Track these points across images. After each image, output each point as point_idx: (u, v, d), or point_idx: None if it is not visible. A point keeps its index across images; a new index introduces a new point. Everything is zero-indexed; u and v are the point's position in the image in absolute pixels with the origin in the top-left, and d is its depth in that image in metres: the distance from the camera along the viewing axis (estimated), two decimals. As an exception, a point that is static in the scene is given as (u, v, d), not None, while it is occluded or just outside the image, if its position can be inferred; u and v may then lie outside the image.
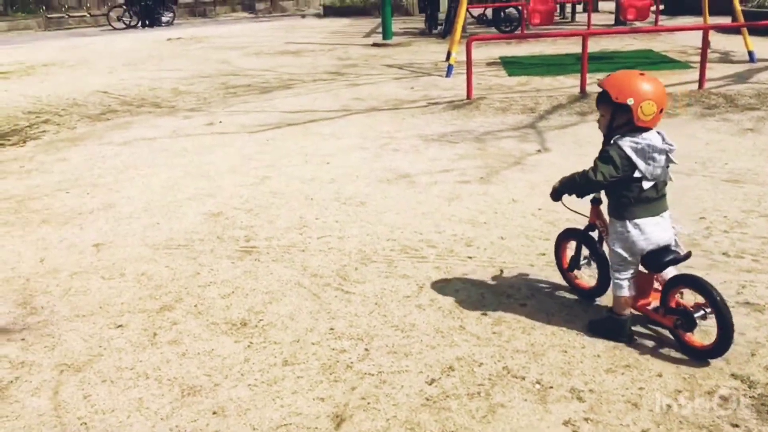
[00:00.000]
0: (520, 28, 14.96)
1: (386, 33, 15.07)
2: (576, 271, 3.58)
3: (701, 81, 8.37)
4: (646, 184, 2.92)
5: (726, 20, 12.45)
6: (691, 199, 4.80)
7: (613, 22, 16.21)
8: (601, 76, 9.40)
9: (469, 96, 8.52)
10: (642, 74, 2.95)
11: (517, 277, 3.78)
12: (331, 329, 3.34)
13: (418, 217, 4.72)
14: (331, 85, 10.16)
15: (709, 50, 8.74)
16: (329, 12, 24.16)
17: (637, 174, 2.90)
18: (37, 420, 2.74)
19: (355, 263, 4.05)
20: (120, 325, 3.45)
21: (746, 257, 3.89)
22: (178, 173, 6.01)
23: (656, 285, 3.19)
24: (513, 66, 11.07)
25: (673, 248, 3.01)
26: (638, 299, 3.14)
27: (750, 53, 10.26)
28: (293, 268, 4.02)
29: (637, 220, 2.97)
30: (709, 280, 2.99)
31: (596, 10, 18.01)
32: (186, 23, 23.34)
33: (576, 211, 3.50)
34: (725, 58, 10.82)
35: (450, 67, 10.37)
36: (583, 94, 8.34)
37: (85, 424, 2.70)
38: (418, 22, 18.55)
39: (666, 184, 3.06)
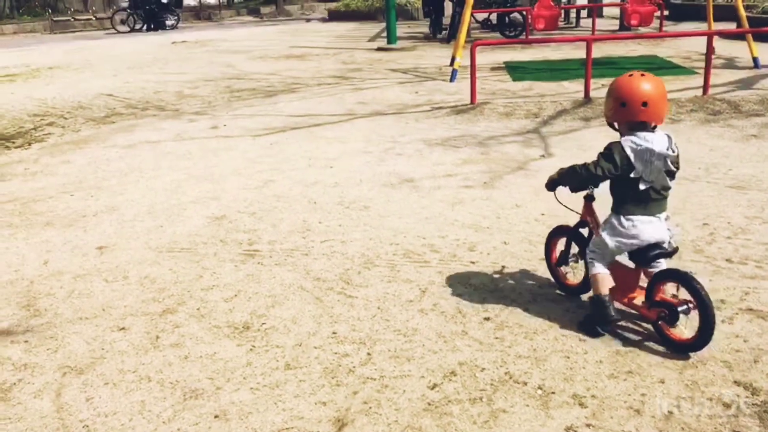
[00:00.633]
0: (524, 33, 14.99)
1: (391, 37, 15.10)
2: (563, 268, 3.65)
3: (705, 87, 8.36)
4: (642, 186, 3.02)
5: (731, 26, 12.45)
6: (695, 204, 4.80)
7: (617, 28, 16.22)
8: (605, 81, 9.43)
9: (473, 101, 8.53)
10: (630, 77, 3.03)
11: (519, 282, 3.78)
12: (334, 333, 3.34)
13: (421, 222, 4.72)
14: (336, 89, 10.18)
15: (713, 56, 8.74)
16: (334, 16, 24.22)
17: (633, 175, 3.00)
18: (39, 422, 2.75)
19: (358, 267, 4.05)
20: (123, 328, 3.45)
21: (750, 264, 3.88)
22: (181, 176, 6.03)
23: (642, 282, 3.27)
24: (517, 71, 11.08)
25: (661, 245, 3.10)
26: (625, 294, 3.24)
27: (755, 59, 10.25)
28: (296, 272, 4.03)
29: (631, 217, 3.08)
30: (700, 280, 3.04)
31: (601, 16, 18.01)
32: (191, 27, 23.42)
33: (568, 207, 3.54)
34: (730, 64, 10.81)
35: (454, 72, 10.38)
36: (588, 99, 8.34)
37: (88, 426, 2.70)
38: (423, 27, 18.58)
39: (667, 188, 3.10)
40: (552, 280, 3.74)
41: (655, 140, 3.00)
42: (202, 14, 27.00)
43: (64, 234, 4.76)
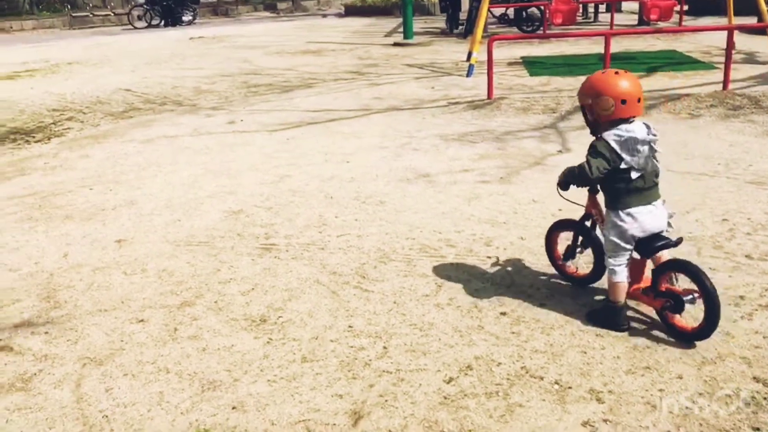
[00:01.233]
0: (542, 28, 14.90)
1: (407, 33, 15.08)
2: (570, 261, 3.67)
3: (725, 82, 8.27)
4: (634, 174, 3.05)
5: (751, 21, 12.29)
6: (715, 200, 4.75)
7: (636, 23, 16.08)
8: (623, 76, 9.35)
9: (489, 96, 8.49)
10: (603, 72, 3.12)
11: (536, 278, 3.77)
12: (350, 327, 3.35)
13: (437, 217, 4.72)
14: (352, 85, 10.18)
15: (733, 51, 8.63)
16: (350, 11, 24.22)
17: (623, 165, 3.04)
18: (59, 412, 2.78)
19: (374, 262, 4.06)
20: (141, 320, 3.49)
21: (770, 260, 3.84)
22: (199, 171, 6.06)
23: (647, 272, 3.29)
24: (534, 66, 11.02)
25: (663, 234, 3.14)
26: (630, 284, 3.25)
27: (776, 54, 10.12)
28: (312, 266, 4.04)
29: (630, 210, 3.10)
30: (703, 268, 3.08)
31: (619, 11, 17.86)
32: (208, 22, 23.52)
33: (573, 201, 3.55)
34: (750, 58, 10.68)
35: (471, 67, 10.35)
36: (605, 94, 8.28)
37: (107, 417, 2.73)
38: (440, 22, 18.53)
39: (657, 174, 3.15)
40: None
41: (636, 129, 3.06)
42: (219, 10, 27.11)
43: (83, 227, 4.81)
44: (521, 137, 6.73)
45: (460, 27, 16.30)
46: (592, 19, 17.91)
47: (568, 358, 3.00)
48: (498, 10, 16.56)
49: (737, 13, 12.39)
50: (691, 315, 3.17)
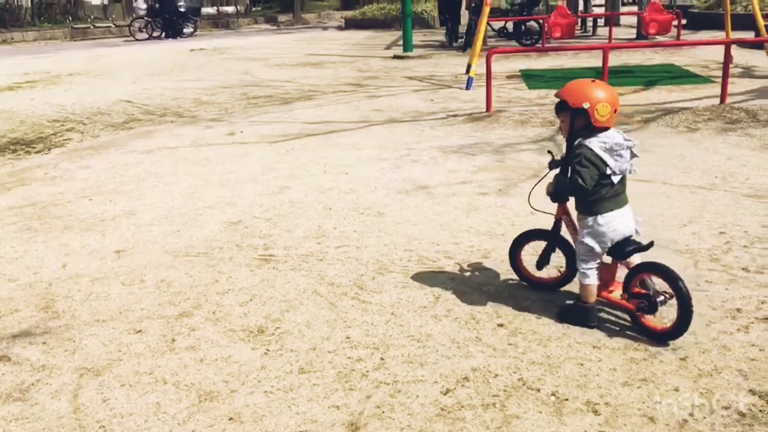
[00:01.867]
0: (540, 42, 14.98)
1: (407, 45, 15.15)
2: (532, 268, 3.76)
3: (723, 96, 8.32)
4: (615, 179, 3.18)
5: (749, 35, 12.37)
6: (712, 213, 4.77)
7: (634, 36, 16.17)
8: (621, 90, 9.41)
9: (488, 108, 8.54)
10: (594, 81, 3.23)
11: (533, 290, 3.77)
12: (348, 338, 3.35)
13: (435, 229, 4.73)
14: (351, 97, 10.23)
15: (731, 65, 8.69)
16: (350, 24, 24.35)
17: (608, 171, 3.15)
18: (56, 422, 2.78)
19: (373, 273, 4.07)
20: (139, 331, 3.49)
21: (766, 273, 3.85)
22: (198, 182, 6.08)
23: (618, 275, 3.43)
24: (533, 79, 11.08)
25: (633, 238, 3.28)
26: (602, 288, 3.38)
27: (773, 68, 10.18)
28: (311, 277, 4.05)
29: (607, 214, 3.22)
30: (675, 269, 3.20)
31: (618, 24, 17.95)
32: (209, 35, 23.64)
33: (542, 210, 3.69)
34: (747, 72, 10.74)
35: (470, 80, 10.40)
36: (603, 107, 8.32)
37: (104, 427, 2.73)
38: (439, 35, 18.63)
39: (625, 177, 3.28)
40: (570, 291, 3.74)
41: (616, 135, 3.19)
42: (219, 22, 27.25)
43: (82, 238, 4.82)
44: (520, 150, 6.75)
45: (460, 40, 16.39)
46: (590, 33, 18.02)
47: (565, 370, 3.00)
48: (497, 24, 16.66)
49: (735, 28, 12.46)
50: (662, 316, 3.26)
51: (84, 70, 14.35)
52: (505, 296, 3.71)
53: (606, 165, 3.13)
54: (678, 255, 4.11)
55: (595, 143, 3.14)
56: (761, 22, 10.97)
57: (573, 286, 3.65)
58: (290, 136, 7.75)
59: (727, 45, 8.61)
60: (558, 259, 3.72)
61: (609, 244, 3.25)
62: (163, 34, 22.28)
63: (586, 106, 3.13)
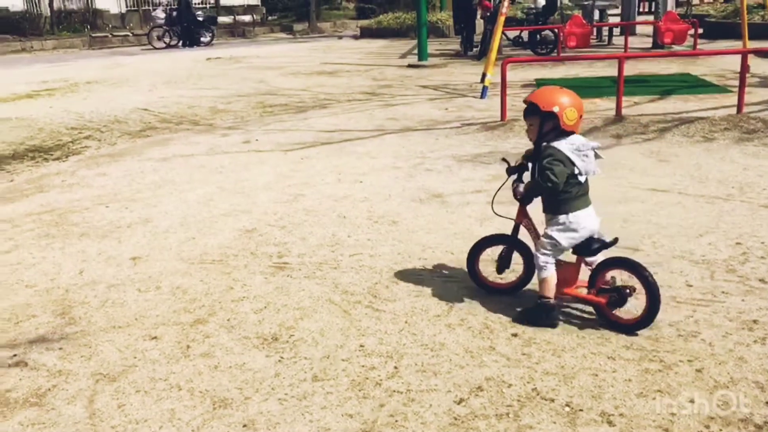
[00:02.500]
0: (555, 51, 14.96)
1: (422, 54, 15.19)
2: (485, 272, 3.89)
3: (740, 105, 8.25)
4: (582, 178, 3.36)
5: (766, 44, 12.28)
6: (728, 224, 4.73)
7: (650, 46, 16.11)
8: (637, 99, 9.38)
9: (503, 117, 8.53)
10: (561, 88, 3.43)
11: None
12: (361, 346, 3.36)
13: (449, 237, 4.73)
14: (366, 105, 10.26)
15: (748, 74, 8.63)
16: (366, 33, 24.43)
17: (576, 171, 3.32)
18: (72, 428, 2.81)
19: (386, 281, 4.07)
20: (155, 337, 3.52)
21: (784, 284, 3.82)
22: (214, 189, 6.12)
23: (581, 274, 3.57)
24: (548, 88, 11.04)
25: (597, 236, 3.43)
26: (566, 286, 3.51)
27: (791, 78, 10.10)
28: (325, 285, 4.06)
29: (577, 212, 3.38)
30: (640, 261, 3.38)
31: (633, 34, 17.90)
32: (225, 43, 23.81)
33: (503, 215, 3.84)
34: (765, 82, 10.66)
35: (485, 89, 10.40)
36: (619, 117, 8.30)
37: (119, 432, 2.76)
38: (454, 44, 18.65)
39: (587, 179, 3.44)
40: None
41: (579, 138, 3.38)
42: (236, 31, 27.44)
43: (99, 244, 4.86)
44: (534, 159, 6.73)
45: (475, 49, 16.40)
46: (606, 42, 17.96)
47: (580, 380, 2.99)
48: (512, 33, 16.65)
49: (752, 37, 12.39)
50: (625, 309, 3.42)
51: (102, 78, 14.51)
52: (520, 306, 3.68)
53: (574, 165, 3.30)
54: (694, 265, 4.08)
55: (563, 145, 3.32)
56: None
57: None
58: (305, 145, 7.78)
59: (744, 54, 8.55)
60: (515, 264, 3.83)
61: (577, 242, 3.41)
62: (180, 43, 22.48)
63: (555, 110, 3.29)
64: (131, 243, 4.87)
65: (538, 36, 15.76)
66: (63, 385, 3.11)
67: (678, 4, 22.02)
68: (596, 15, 18.66)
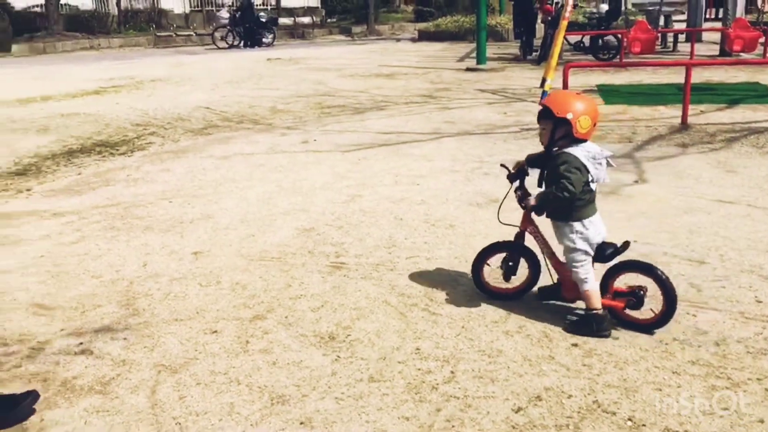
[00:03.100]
0: (618, 57, 14.66)
1: (480, 58, 15.09)
2: (491, 279, 3.88)
3: (814, 116, 7.93)
4: (593, 186, 3.38)
5: (843, 53, 11.77)
6: (801, 239, 4.55)
7: (717, 53, 15.64)
8: (703, 107, 9.11)
9: (563, 123, 8.39)
10: (579, 94, 3.42)
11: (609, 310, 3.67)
12: (417, 349, 3.35)
13: (508, 243, 4.67)
14: (423, 108, 10.24)
15: (823, 84, 8.29)
16: (424, 36, 24.42)
17: (590, 178, 3.34)
18: (135, 417, 2.87)
19: (443, 285, 4.05)
20: (215, 331, 3.58)
21: None
22: (273, 188, 6.20)
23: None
24: (610, 94, 10.84)
25: (607, 241, 3.45)
26: (575, 292, 3.52)
27: None
28: (381, 287, 4.07)
29: (591, 218, 3.41)
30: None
31: (699, 41, 17.40)
32: (285, 44, 24.14)
33: (510, 224, 3.81)
34: (841, 92, 10.23)
35: (544, 94, 10.25)
36: (685, 125, 8.08)
37: (180, 424, 2.81)
38: (513, 48, 18.48)
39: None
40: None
41: (593, 146, 3.37)
42: (295, 32, 27.80)
43: (162, 238, 4.98)
44: (595, 166, 6.60)
45: (534, 53, 16.22)
46: (671, 49, 17.51)
47: (643, 394, 2.91)
48: (573, 38, 16.39)
49: (828, 45, 11.89)
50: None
51: (166, 76, 14.88)
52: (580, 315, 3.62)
53: (588, 172, 3.31)
54: (764, 281, 3.94)
55: (579, 152, 3.32)
56: None
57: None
58: (362, 146, 7.81)
59: (820, 63, 8.21)
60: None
61: (594, 247, 3.41)
62: (242, 43, 22.88)
63: (569, 117, 3.27)
64: (193, 238, 4.97)
65: (600, 41, 15.48)
66: (126, 374, 3.19)
67: (747, 11, 21.31)
68: (661, 21, 18.22)
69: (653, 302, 3.45)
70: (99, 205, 5.85)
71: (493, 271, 3.90)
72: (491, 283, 3.89)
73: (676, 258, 4.32)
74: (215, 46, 22.69)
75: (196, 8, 29.44)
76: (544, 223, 3.66)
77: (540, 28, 16.97)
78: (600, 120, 9.01)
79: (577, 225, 3.39)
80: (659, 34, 16.74)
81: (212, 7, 29.21)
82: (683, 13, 21.25)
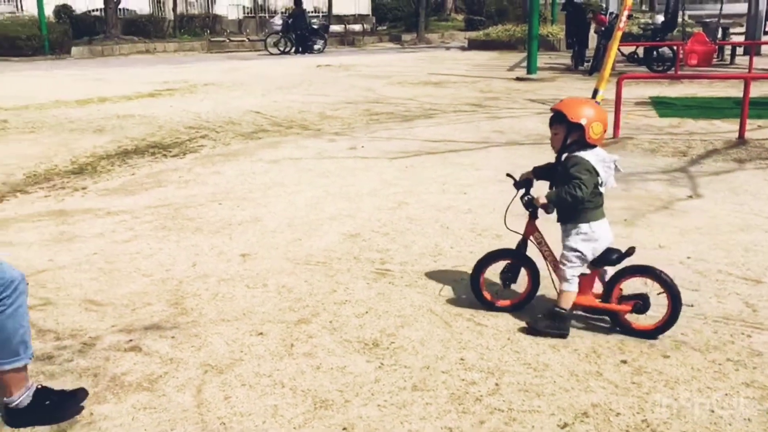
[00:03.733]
0: (673, 69, 14.36)
1: (531, 67, 14.97)
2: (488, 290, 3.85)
3: None
4: (602, 189, 3.46)
5: None
6: None
7: (777, 66, 15.18)
8: (761, 122, 8.84)
9: (615, 135, 8.26)
10: (589, 101, 3.54)
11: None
12: (462, 359, 3.32)
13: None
14: (472, 117, 10.20)
15: None
16: (474, 45, 24.34)
17: (600, 181, 3.41)
18: (181, 415, 2.91)
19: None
20: (261, 333, 3.61)
21: None
22: (320, 193, 6.25)
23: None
24: (664, 107, 10.63)
25: (613, 246, 3.49)
26: (582, 296, 3.53)
27: None
28: (426, 295, 4.05)
29: (597, 221, 3.46)
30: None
31: (758, 54, 16.93)
32: (335, 51, 24.35)
33: (514, 230, 3.82)
34: None
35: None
36: (742, 140, 7.86)
37: (224, 424, 2.84)
38: (564, 58, 18.28)
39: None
40: (699, 331, 3.53)
41: (602, 151, 3.45)
42: (346, 40, 28.02)
43: (211, 240, 5.06)
44: (648, 179, 6.48)
45: (586, 64, 16.00)
46: (728, 62, 17.09)
47: (694, 415, 2.82)
48: (627, 49, 16.12)
49: None
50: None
51: (218, 81, 15.15)
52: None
53: (598, 175, 3.38)
54: (825, 303, 3.79)
55: (590, 155, 3.39)
56: None
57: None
58: (410, 153, 7.82)
59: None
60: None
61: (597, 252, 3.44)
62: (294, 50, 23.18)
63: (583, 122, 3.34)
64: (241, 240, 5.04)
65: (654, 52, 15.19)
66: (174, 372, 3.24)
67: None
68: (719, 33, 17.79)
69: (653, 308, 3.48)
70: (151, 205, 5.97)
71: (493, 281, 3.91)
72: (491, 295, 3.87)
73: (732, 276, 4.20)
74: (267, 52, 23.04)
75: (250, 14, 29.97)
76: (548, 231, 3.71)
77: (592, 39, 16.74)
78: (654, 133, 8.87)
79: (584, 226, 3.44)
80: (717, 47, 16.36)
81: (265, 13, 29.69)
82: (742, 25, 20.72)
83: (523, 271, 3.81)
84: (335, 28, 28.41)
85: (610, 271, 3.58)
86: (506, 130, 9.12)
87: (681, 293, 3.43)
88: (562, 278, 3.51)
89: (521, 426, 2.78)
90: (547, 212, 3.59)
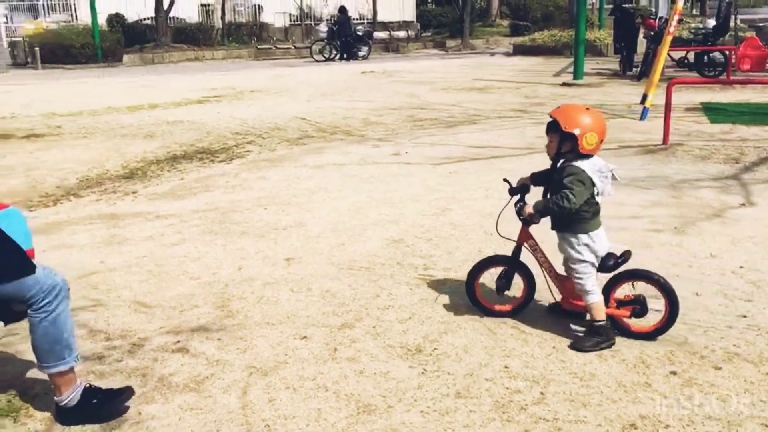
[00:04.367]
0: (725, 74, 14.02)
1: (577, 73, 14.78)
2: (485, 296, 3.86)
3: None
4: (600, 199, 3.42)
5: None
6: None
7: (835, 71, 14.67)
8: (820, 128, 8.55)
9: (665, 141, 8.10)
10: (587, 109, 3.42)
11: (712, 338, 3.49)
12: (506, 367, 3.28)
13: (602, 263, 4.52)
14: (517, 123, 10.12)
15: None
16: (519, 51, 24.16)
17: (596, 191, 3.37)
18: (226, 416, 2.95)
19: (533, 304, 3.96)
20: (305, 337, 3.63)
21: None
22: (364, 198, 6.27)
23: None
24: (716, 113, 10.37)
25: (610, 252, 3.47)
26: (579, 299, 3.52)
27: None
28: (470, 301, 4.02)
29: (596, 231, 3.44)
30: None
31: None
32: (380, 58, 24.45)
33: (507, 237, 3.84)
34: None
35: (645, 110, 9.93)
36: (798, 146, 7.61)
37: (269, 426, 2.86)
38: (611, 63, 17.99)
39: None
40: (753, 343, 3.43)
41: (599, 160, 3.40)
42: (390, 46, 28.12)
43: (256, 244, 5.12)
44: (699, 186, 6.33)
45: (635, 69, 15.72)
46: (783, 66, 16.57)
47: (747, 429, 2.74)
48: (677, 53, 15.79)
49: None
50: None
51: (265, 87, 15.36)
52: (680, 342, 3.46)
53: (593, 185, 3.34)
54: None
55: (586, 165, 3.34)
56: None
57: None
58: (453, 159, 7.79)
59: None
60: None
61: (597, 261, 3.43)
62: (338, 57, 23.35)
63: (576, 132, 3.29)
64: (286, 244, 5.09)
65: (705, 57, 14.84)
66: (220, 374, 3.29)
67: None
68: (773, 37, 17.29)
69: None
70: (199, 209, 6.08)
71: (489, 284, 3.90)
72: (487, 300, 3.86)
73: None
74: (313, 59, 23.27)
75: (296, 22, 30.33)
76: (543, 238, 3.70)
77: (641, 44, 16.45)
78: (704, 139, 8.68)
79: (584, 237, 3.42)
80: (771, 51, 15.89)
81: (311, 21, 30.01)
82: (798, 28, 20.07)
83: (518, 277, 3.81)
84: (380, 34, 28.55)
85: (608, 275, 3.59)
86: (552, 136, 9.00)
87: (678, 295, 3.46)
88: (584, 293, 3.45)
89: (567, 436, 2.74)
90: (534, 222, 3.59)
